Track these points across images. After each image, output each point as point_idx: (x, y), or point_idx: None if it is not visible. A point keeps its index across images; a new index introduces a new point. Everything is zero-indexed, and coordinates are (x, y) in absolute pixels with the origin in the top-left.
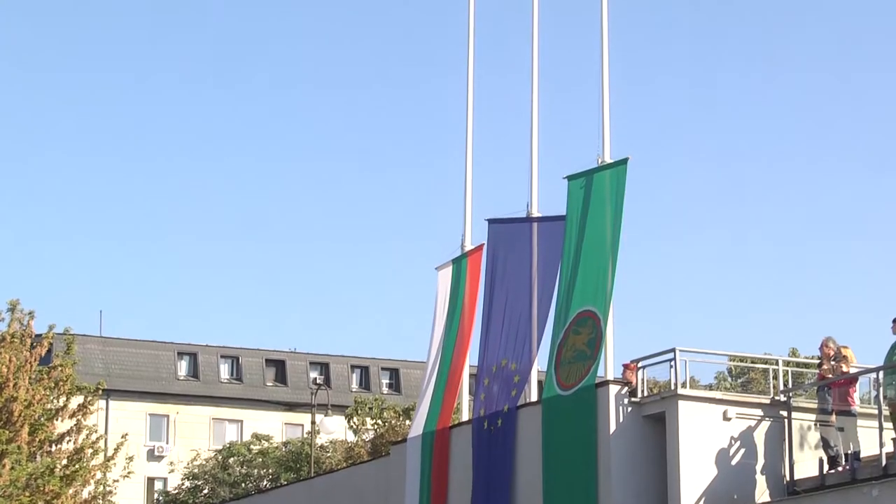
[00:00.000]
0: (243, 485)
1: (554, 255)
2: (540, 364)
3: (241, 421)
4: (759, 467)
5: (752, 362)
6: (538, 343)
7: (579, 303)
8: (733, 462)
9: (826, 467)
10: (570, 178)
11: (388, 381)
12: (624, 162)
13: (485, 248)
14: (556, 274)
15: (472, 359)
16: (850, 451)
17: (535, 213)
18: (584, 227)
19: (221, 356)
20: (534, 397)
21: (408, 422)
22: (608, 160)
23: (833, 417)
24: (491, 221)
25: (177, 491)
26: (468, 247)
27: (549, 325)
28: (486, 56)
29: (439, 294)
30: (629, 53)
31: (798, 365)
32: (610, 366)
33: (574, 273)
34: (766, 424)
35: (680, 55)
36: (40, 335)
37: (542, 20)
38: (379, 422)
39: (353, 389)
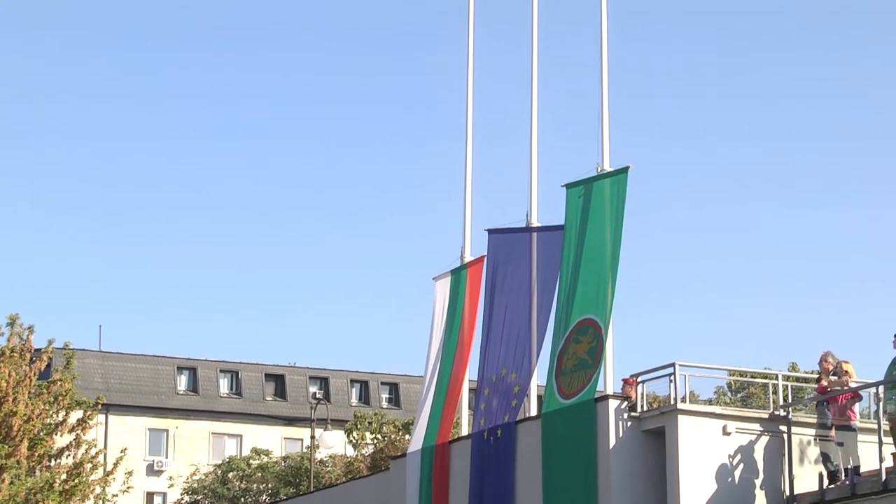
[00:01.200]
0: (242, 499)
1: (553, 265)
2: (540, 374)
3: (241, 435)
4: (758, 482)
5: (752, 377)
6: (538, 353)
7: (580, 311)
8: (733, 477)
9: (826, 482)
10: (568, 186)
11: (387, 396)
12: (625, 171)
13: (485, 258)
14: (555, 283)
15: (471, 373)
16: (849, 466)
17: (535, 223)
18: (583, 236)
19: (221, 371)
20: (533, 412)
21: (407, 436)
22: (607, 168)
23: (833, 432)
24: (491, 232)
25: None
26: (468, 258)
27: (549, 335)
28: (486, 66)
29: (437, 305)
30: (629, 61)
31: (798, 380)
32: (609, 380)
33: (574, 282)
34: (765, 439)
35: (680, 63)
36: (39, 350)
37: (541, 29)
38: (378, 436)
39: (353, 404)
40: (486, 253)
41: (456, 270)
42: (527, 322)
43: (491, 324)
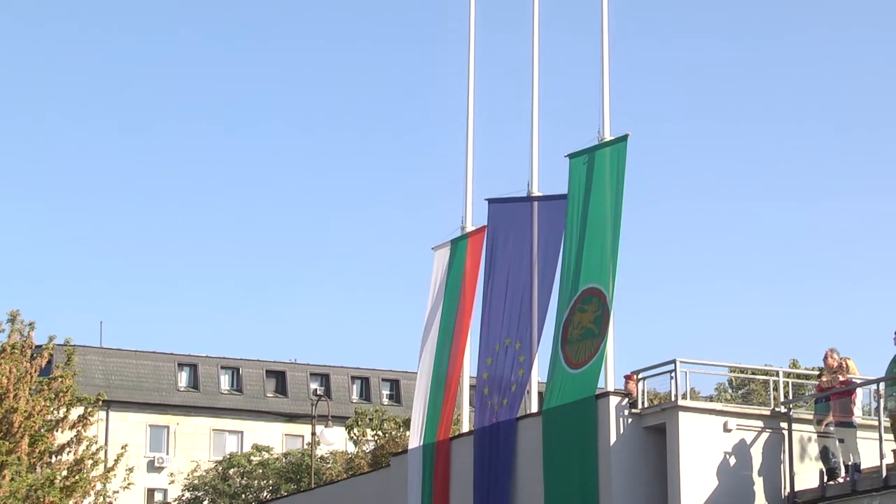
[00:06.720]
0: (243, 496)
1: (555, 234)
2: (544, 343)
3: (242, 432)
4: (759, 479)
5: (753, 374)
6: (541, 322)
7: (584, 280)
8: (733, 474)
9: (826, 479)
10: (571, 156)
11: (388, 392)
12: (624, 139)
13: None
14: (558, 253)
15: (472, 370)
16: (850, 463)
17: (536, 193)
18: (587, 205)
19: (222, 367)
20: (534, 408)
21: (408, 433)
22: (608, 137)
23: (833, 429)
24: (491, 201)
25: (177, 502)
26: (468, 228)
27: (553, 304)
28: (487, 36)
29: (434, 275)
30: (630, 30)
31: (798, 376)
32: (611, 377)
33: (578, 251)
34: (766, 436)
35: (681, 31)
36: (40, 346)
37: (542, 0)
38: (379, 433)
39: (354, 400)
40: (486, 224)
41: (456, 240)
42: (529, 291)
43: (493, 294)
